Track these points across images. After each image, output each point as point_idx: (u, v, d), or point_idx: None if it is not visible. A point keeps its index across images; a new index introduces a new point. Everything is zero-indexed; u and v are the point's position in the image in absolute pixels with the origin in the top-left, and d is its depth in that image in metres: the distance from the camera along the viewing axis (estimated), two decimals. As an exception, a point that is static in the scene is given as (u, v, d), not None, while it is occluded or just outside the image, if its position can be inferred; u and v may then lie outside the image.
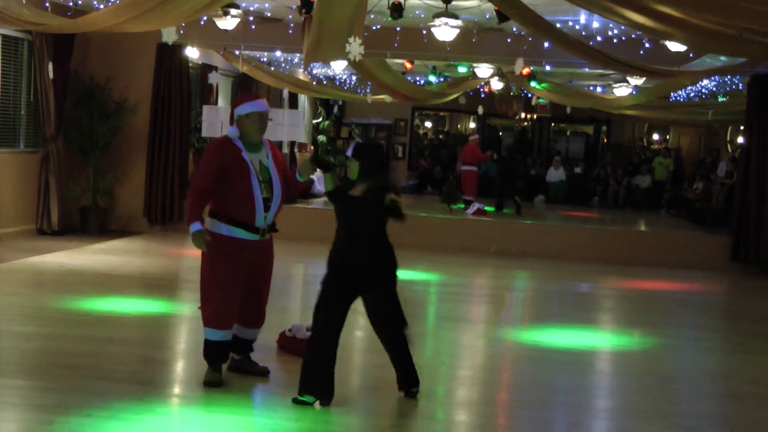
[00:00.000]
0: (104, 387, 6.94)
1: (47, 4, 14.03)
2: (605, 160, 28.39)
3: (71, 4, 14.84)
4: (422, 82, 23.17)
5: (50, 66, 14.89)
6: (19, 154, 15.47)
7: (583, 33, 15.64)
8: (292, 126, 17.69)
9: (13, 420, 6.15)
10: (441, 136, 32.73)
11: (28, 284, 11.41)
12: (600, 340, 10.34)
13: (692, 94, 22.42)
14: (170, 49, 16.66)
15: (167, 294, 11.43)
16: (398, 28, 15.86)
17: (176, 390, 7.25)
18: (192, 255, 15.20)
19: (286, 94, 24.06)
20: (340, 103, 28.53)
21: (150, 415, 6.32)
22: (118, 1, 13.87)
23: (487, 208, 20.95)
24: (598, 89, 23.82)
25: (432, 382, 8.07)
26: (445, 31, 13.97)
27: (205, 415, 6.42)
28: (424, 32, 15.63)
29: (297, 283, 13.61)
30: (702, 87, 20.88)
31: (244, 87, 21.95)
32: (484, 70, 20.04)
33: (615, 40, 15.95)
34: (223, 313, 7.09)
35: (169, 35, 13.66)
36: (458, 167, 24.91)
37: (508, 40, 16.45)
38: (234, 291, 7.11)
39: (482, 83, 22.95)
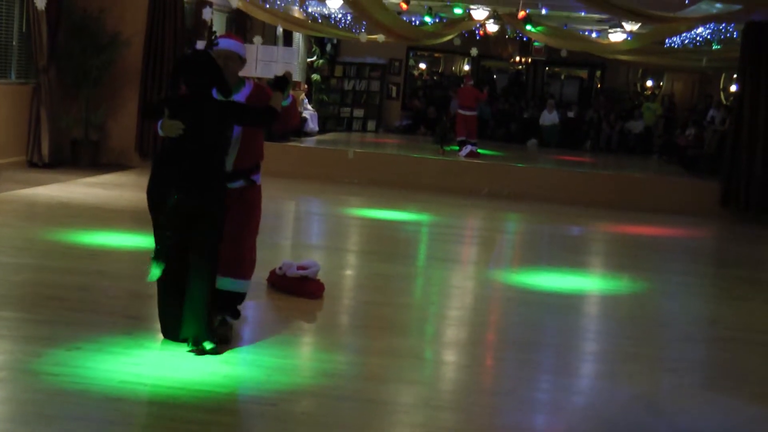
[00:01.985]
0: (93, 320, 6.96)
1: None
2: (599, 104, 28.31)
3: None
4: (417, 22, 23.00)
5: (41, -5, 14.71)
6: (11, 85, 15.35)
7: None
8: (285, 63, 17.62)
9: (0, 351, 6.16)
10: (435, 77, 32.59)
11: (19, 216, 11.39)
12: (589, 283, 10.38)
13: (686, 41, 22.31)
14: (164, -18, 16.49)
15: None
16: (395, -33, 15.70)
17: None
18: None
19: (280, 31, 23.87)
20: (335, 41, 28.33)
21: (138, 350, 6.33)
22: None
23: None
24: (594, 34, 23.67)
25: (421, 322, 8.12)
26: (442, -30, 13.85)
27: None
28: (421, -29, 15.49)
29: (288, 221, 13.61)
30: (697, 35, 20.77)
31: (238, 23, 21.78)
32: (479, 12, 19.90)
33: (612, -16, 15.83)
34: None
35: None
36: (452, 108, 24.85)
37: (505, -18, 16.32)
38: None
39: (477, 25, 22.80)
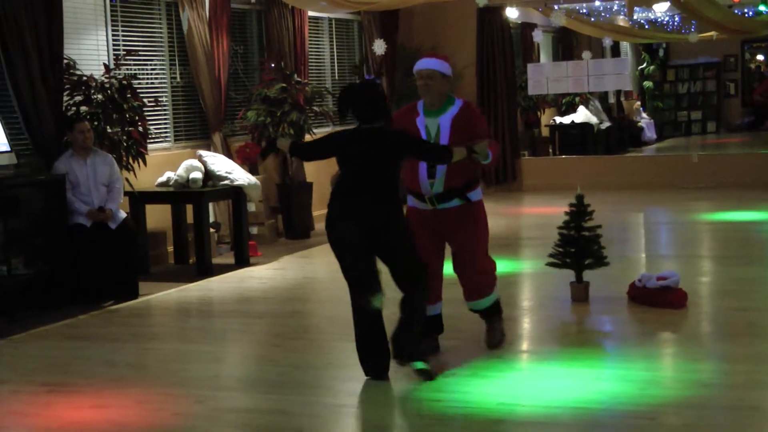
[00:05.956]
0: (462, 347, 7.19)
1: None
2: None
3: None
4: (751, 13, 22.13)
5: (378, 42, 15.46)
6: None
7: None
8: (617, 74, 17.53)
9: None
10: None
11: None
12: None
13: None
14: (491, 12, 16.90)
15: (511, 253, 11.64)
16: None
17: (525, 346, 7.46)
18: (531, 213, 15.45)
19: (607, 43, 23.76)
20: (664, 45, 27.81)
21: (509, 372, 6.54)
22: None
23: None
24: None
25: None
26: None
27: (562, 369, 6.56)
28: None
29: (637, 233, 13.46)
30: None
31: (564, 41, 21.93)
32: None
33: None
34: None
35: (483, -1, 13.94)
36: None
37: None
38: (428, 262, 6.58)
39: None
